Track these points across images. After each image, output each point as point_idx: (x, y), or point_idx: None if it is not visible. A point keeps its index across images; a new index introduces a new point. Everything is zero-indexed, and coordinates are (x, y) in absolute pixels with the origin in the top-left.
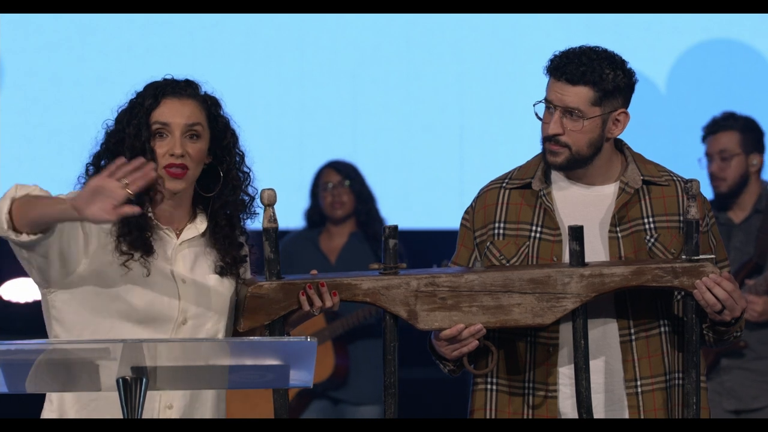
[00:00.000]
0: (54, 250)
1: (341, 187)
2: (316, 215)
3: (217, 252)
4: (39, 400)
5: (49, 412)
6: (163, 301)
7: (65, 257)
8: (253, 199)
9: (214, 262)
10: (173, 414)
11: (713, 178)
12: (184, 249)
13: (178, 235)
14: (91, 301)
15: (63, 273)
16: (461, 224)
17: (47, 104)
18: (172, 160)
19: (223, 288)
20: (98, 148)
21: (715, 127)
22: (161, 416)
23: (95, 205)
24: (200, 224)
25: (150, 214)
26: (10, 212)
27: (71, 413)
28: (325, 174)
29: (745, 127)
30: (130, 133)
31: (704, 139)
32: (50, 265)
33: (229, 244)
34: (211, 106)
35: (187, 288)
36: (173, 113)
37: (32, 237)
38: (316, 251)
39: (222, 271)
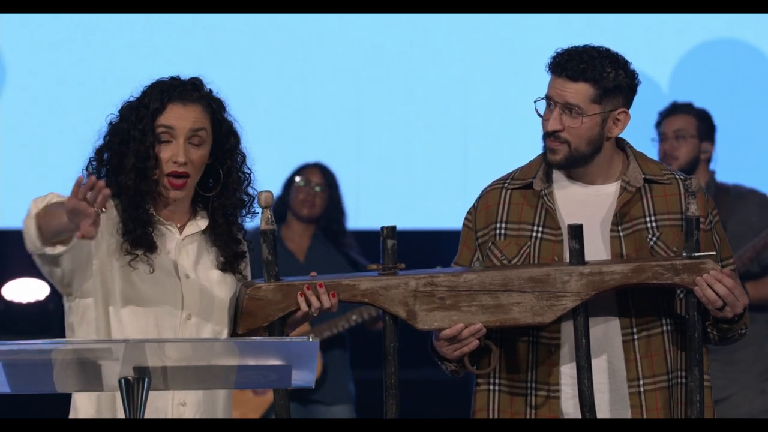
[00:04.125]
0: (77, 259)
1: (316, 190)
2: (281, 207)
3: (217, 248)
4: (44, 400)
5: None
6: (167, 297)
7: (85, 263)
8: (252, 198)
9: (216, 258)
10: (187, 411)
11: (665, 156)
12: (188, 244)
13: (180, 231)
14: (102, 302)
15: (83, 279)
16: (463, 225)
17: (49, 104)
18: (175, 167)
19: (225, 284)
20: (101, 141)
21: (673, 110)
22: (174, 413)
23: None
24: (201, 221)
25: (151, 211)
26: (39, 228)
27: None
28: (307, 171)
29: (701, 115)
30: (135, 136)
31: (660, 121)
32: (74, 273)
33: (227, 239)
34: (216, 109)
35: (190, 283)
36: (178, 118)
37: (61, 248)
38: (282, 249)
39: (224, 267)
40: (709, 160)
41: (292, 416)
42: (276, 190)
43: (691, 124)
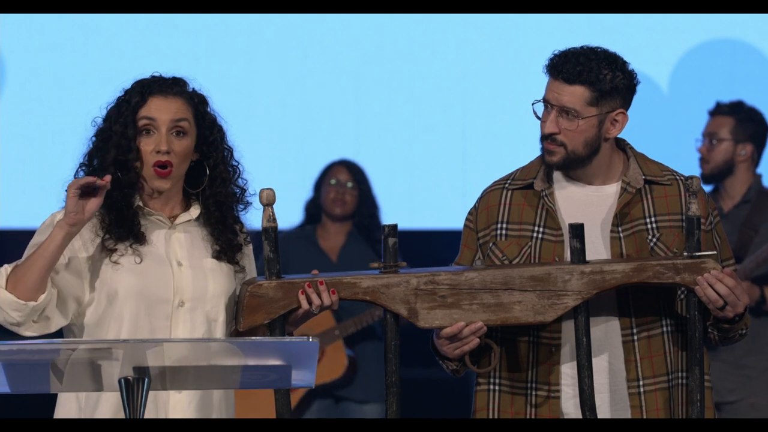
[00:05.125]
0: (63, 294)
1: (347, 187)
2: (315, 209)
3: (212, 237)
4: (44, 399)
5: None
6: (157, 284)
7: (76, 295)
8: (244, 190)
9: (211, 246)
10: (183, 398)
11: (701, 158)
12: (180, 233)
13: (172, 221)
14: (97, 304)
15: (79, 305)
16: (464, 225)
17: (50, 104)
18: (158, 157)
19: (221, 272)
20: (89, 146)
21: (715, 110)
22: (171, 401)
23: (88, 204)
24: (193, 211)
25: (139, 204)
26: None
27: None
28: (335, 170)
29: (746, 117)
30: (117, 130)
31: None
32: (63, 309)
33: (222, 228)
34: (198, 103)
35: (182, 270)
36: (159, 109)
37: (42, 295)
38: (316, 249)
39: (218, 255)
40: (749, 162)
41: (325, 415)
42: (276, 189)
43: (726, 127)
